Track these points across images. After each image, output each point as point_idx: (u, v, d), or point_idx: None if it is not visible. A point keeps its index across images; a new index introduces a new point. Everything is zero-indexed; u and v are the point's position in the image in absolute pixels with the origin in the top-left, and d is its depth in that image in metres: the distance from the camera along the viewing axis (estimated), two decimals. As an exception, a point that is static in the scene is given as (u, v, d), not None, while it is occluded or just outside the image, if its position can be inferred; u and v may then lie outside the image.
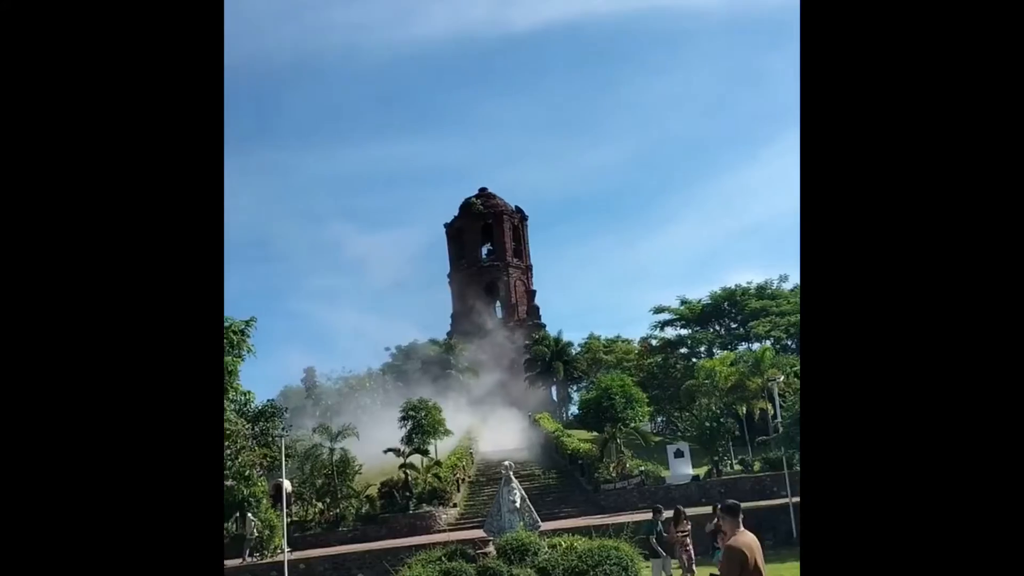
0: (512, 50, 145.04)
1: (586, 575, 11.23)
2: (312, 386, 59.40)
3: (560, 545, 12.51)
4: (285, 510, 23.91)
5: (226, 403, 24.93)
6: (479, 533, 15.94)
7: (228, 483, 23.62)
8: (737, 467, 31.32)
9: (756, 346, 49.05)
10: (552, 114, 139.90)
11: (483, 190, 73.02)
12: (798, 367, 28.70)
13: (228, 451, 24.00)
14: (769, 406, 33.57)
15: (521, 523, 13.19)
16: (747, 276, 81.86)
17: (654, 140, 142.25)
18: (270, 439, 27.78)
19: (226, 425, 23.89)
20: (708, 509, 17.37)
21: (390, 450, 31.01)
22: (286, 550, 21.16)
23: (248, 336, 26.12)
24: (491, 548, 12.45)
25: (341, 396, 52.20)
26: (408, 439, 31.80)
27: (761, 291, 56.97)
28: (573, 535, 13.43)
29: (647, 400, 37.10)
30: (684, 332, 58.44)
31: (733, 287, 57.76)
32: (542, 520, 14.65)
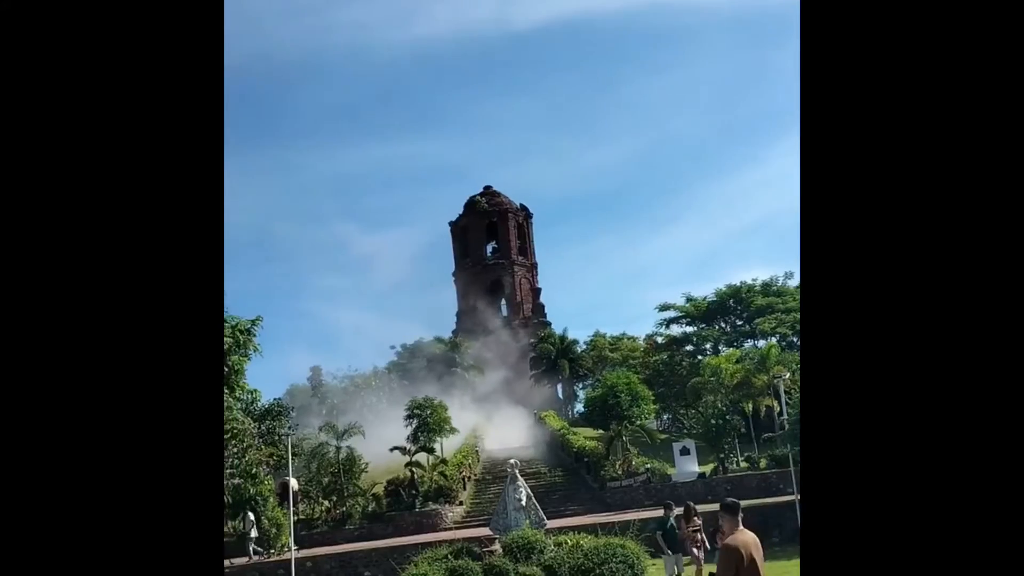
0: (514, 49, 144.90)
1: (592, 573, 11.23)
2: (318, 385, 59.55)
3: (566, 543, 12.52)
4: (292, 508, 23.99)
5: (233, 402, 25.01)
6: (485, 531, 15.97)
7: (235, 481, 23.69)
8: (743, 464, 31.28)
9: (762, 343, 48.96)
10: (554, 113, 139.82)
11: (488, 188, 72.96)
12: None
13: (235, 450, 24.07)
14: (775, 403, 33.54)
15: (527, 521, 13.21)
16: (752, 273, 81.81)
17: (657, 138, 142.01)
18: (276, 438, 27.84)
19: (233, 424, 23.96)
20: (716, 506, 17.34)
21: (396, 448, 31.05)
22: (293, 548, 21.21)
23: (254, 335, 26.19)
24: (497, 546, 12.47)
25: (347, 395, 52.31)
26: (414, 437, 31.83)
27: (767, 288, 56.81)
28: (579, 533, 13.45)
29: (653, 398, 37.02)
30: (690, 329, 58.35)
31: (739, 284, 57.61)
32: (548, 518, 14.67)
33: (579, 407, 58.08)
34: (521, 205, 73.22)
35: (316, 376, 62.25)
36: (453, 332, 67.35)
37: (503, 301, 70.66)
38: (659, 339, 60.31)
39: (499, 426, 47.41)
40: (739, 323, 57.38)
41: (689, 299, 58.48)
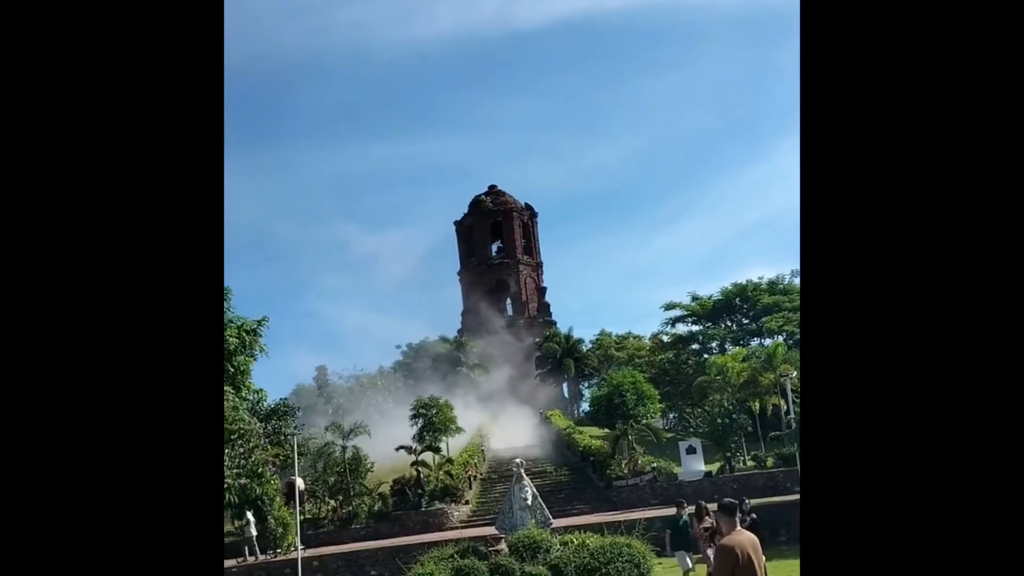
0: (515, 48, 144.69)
1: (598, 572, 11.21)
2: (324, 384, 59.68)
3: (572, 542, 12.50)
4: (298, 508, 24.03)
5: (239, 402, 25.05)
6: (491, 530, 15.97)
7: (242, 481, 23.74)
8: (750, 463, 31.18)
9: (768, 342, 48.83)
10: (557, 112, 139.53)
11: (492, 187, 72.95)
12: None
13: (241, 449, 24.12)
14: (782, 402, 33.43)
15: (533, 520, 13.20)
16: (759, 271, 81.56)
17: (660, 137, 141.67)
18: (283, 437, 27.93)
19: (239, 424, 24.02)
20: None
21: (402, 448, 31.10)
22: (299, 548, 21.26)
23: (260, 335, 26.23)
24: (503, 545, 12.46)
25: (352, 394, 52.43)
26: (419, 437, 31.87)
27: (773, 286, 56.65)
28: (585, 532, 13.42)
29: (659, 396, 37.03)
30: (696, 328, 58.22)
31: (745, 282, 57.48)
32: (554, 517, 14.66)
33: (585, 406, 58.02)
34: (526, 204, 73.20)
35: (322, 376, 62.38)
36: (458, 331, 67.37)
37: (508, 300, 70.67)
38: (665, 338, 60.18)
39: (505, 425, 47.40)
40: (745, 321, 57.24)
41: (695, 298, 58.38)
